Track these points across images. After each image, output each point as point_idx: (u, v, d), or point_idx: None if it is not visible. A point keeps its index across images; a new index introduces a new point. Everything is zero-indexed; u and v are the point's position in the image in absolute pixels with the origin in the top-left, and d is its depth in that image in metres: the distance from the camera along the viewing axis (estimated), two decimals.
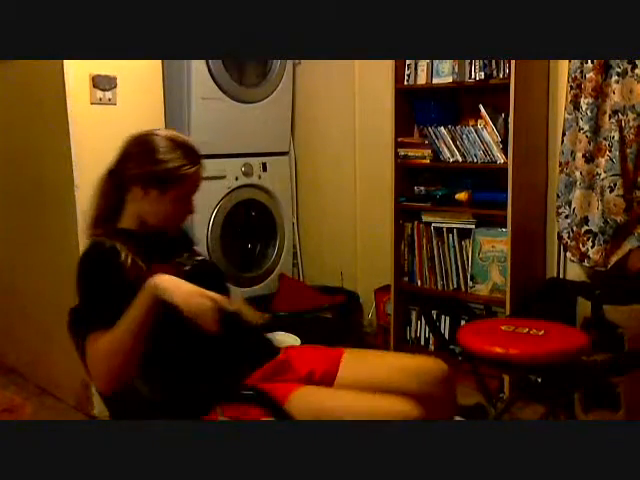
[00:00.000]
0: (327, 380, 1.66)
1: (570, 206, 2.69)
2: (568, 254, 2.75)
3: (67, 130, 2.55)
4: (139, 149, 1.61)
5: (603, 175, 2.57)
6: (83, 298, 1.52)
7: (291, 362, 1.68)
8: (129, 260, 1.51)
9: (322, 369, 1.67)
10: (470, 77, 2.85)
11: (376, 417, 1.44)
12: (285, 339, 2.25)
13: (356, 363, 1.71)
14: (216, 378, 1.57)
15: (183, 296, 1.39)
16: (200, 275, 1.57)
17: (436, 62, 2.96)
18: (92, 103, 2.60)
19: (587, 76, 2.55)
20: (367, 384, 1.62)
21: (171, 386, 1.56)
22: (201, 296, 1.40)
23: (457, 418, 1.87)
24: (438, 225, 3.09)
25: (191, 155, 1.65)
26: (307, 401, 1.51)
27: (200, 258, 1.77)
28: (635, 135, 2.52)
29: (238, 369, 1.59)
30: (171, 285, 1.41)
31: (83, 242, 2.63)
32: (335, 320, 3.27)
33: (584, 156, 2.61)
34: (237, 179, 3.37)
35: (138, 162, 1.60)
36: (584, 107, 2.57)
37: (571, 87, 2.64)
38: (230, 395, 1.53)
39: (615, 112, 2.54)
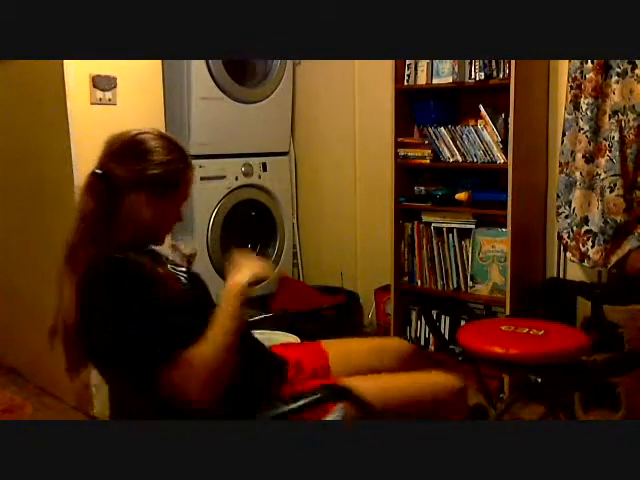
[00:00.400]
0: (326, 373, 1.68)
1: (570, 206, 2.69)
2: (568, 254, 2.75)
3: (67, 130, 2.55)
4: (132, 150, 1.45)
5: (603, 175, 2.57)
6: (139, 321, 1.32)
7: (294, 365, 1.67)
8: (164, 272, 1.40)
9: (319, 364, 1.69)
10: (470, 77, 2.85)
11: (436, 389, 1.61)
12: (285, 339, 2.25)
13: (338, 353, 1.75)
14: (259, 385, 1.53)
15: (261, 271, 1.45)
16: (194, 284, 1.50)
17: (436, 62, 2.96)
18: (92, 103, 2.60)
19: (587, 76, 2.55)
20: (355, 370, 1.66)
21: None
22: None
23: None
24: (438, 225, 3.09)
25: (186, 156, 1.50)
26: (369, 387, 1.50)
27: (182, 268, 1.55)
28: (635, 135, 2.52)
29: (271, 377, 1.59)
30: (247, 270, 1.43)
31: None
32: (335, 320, 3.26)
33: (584, 156, 2.61)
34: (237, 179, 3.37)
35: (132, 165, 1.43)
36: (584, 107, 2.57)
37: (571, 87, 2.64)
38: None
39: (615, 112, 2.53)
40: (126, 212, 1.42)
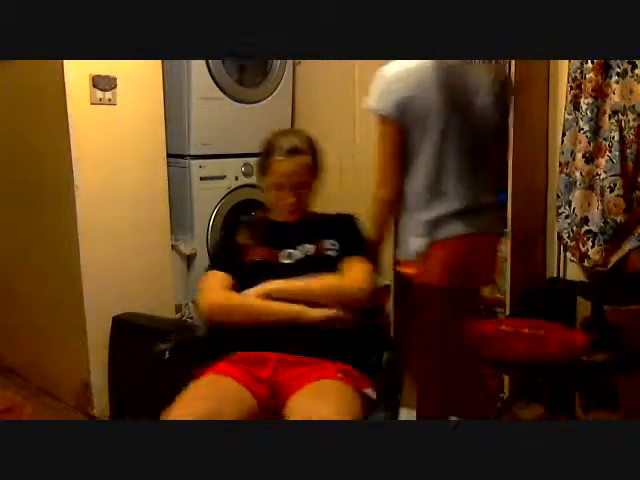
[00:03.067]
0: (280, 399, 1.62)
1: (570, 206, 2.68)
2: (568, 254, 2.75)
3: (67, 130, 2.55)
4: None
5: (603, 175, 2.57)
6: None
7: (276, 364, 1.68)
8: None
9: (286, 386, 1.64)
10: None
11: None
12: None
13: (309, 395, 1.59)
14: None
15: None
16: (301, 268, 1.79)
17: None
18: (92, 103, 2.60)
19: (587, 76, 2.55)
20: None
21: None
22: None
23: (455, 418, 1.86)
24: None
25: (279, 148, 1.82)
26: (186, 390, 1.59)
27: (310, 253, 1.85)
28: (635, 135, 2.52)
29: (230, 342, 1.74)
30: None
31: (83, 242, 2.65)
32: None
33: (584, 156, 2.61)
34: (237, 179, 3.37)
35: (259, 155, 1.89)
36: (584, 107, 2.57)
37: (571, 87, 2.64)
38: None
39: (615, 112, 2.53)
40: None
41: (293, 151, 1.82)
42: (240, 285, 1.79)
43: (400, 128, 1.83)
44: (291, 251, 1.85)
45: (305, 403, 1.54)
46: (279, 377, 1.66)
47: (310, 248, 1.85)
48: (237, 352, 1.71)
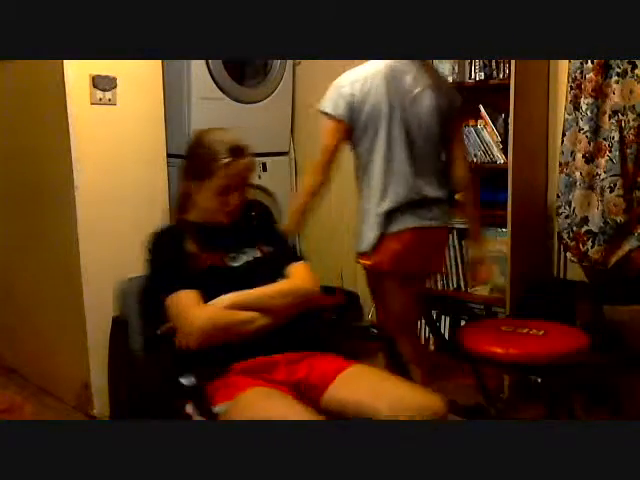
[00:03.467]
0: (314, 394, 1.63)
1: (570, 206, 2.68)
2: (568, 254, 2.75)
3: (67, 130, 2.55)
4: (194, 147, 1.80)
5: (603, 175, 2.57)
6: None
7: (286, 364, 1.67)
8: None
9: (313, 382, 1.65)
10: (470, 77, 2.85)
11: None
12: None
13: (356, 381, 1.64)
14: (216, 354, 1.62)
15: None
16: (250, 271, 1.73)
17: (436, 62, 2.96)
18: (92, 103, 2.60)
19: (587, 76, 2.55)
20: (355, 406, 1.56)
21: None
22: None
23: (456, 418, 1.86)
24: None
25: (222, 149, 1.72)
26: (245, 406, 1.50)
27: (257, 256, 1.81)
28: (635, 135, 2.52)
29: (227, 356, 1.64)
30: None
31: (83, 242, 2.65)
32: (335, 320, 3.26)
33: (584, 156, 2.61)
34: None
35: (192, 158, 1.79)
36: (584, 107, 2.57)
37: (571, 87, 2.64)
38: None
39: (615, 112, 2.53)
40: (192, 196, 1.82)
41: (239, 151, 1.74)
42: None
43: (344, 128, 2.07)
44: (235, 254, 1.78)
45: (356, 390, 1.59)
46: (296, 376, 1.65)
47: (253, 251, 1.81)
48: (240, 361, 1.64)
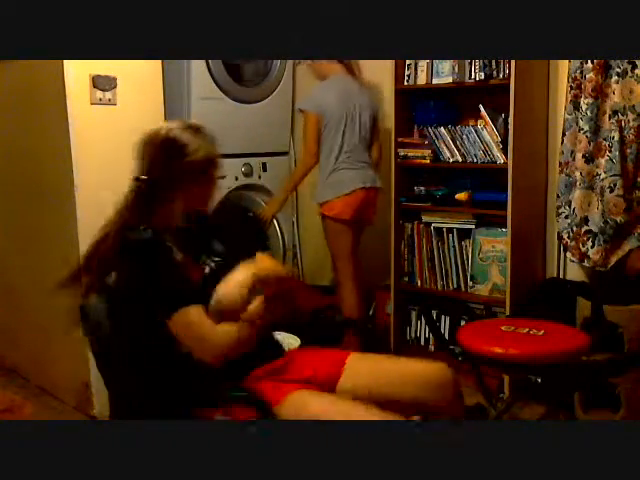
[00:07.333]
0: (328, 384, 1.64)
1: (570, 206, 2.69)
2: (568, 254, 2.75)
3: (67, 130, 2.55)
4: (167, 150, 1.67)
5: (603, 175, 2.57)
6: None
7: (293, 363, 1.67)
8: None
9: (324, 372, 1.66)
10: (470, 77, 2.85)
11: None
12: (285, 339, 2.25)
13: (359, 368, 1.69)
14: (216, 376, 1.56)
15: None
16: (218, 276, 1.58)
17: (436, 62, 2.96)
18: (92, 103, 2.60)
19: (587, 76, 2.55)
20: (367, 391, 1.60)
21: (167, 382, 1.58)
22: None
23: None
24: (438, 225, 3.09)
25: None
26: (300, 406, 1.50)
27: (216, 260, 1.70)
28: (635, 135, 2.52)
29: (241, 367, 1.59)
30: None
31: (83, 242, 2.65)
32: (335, 320, 3.26)
33: (584, 156, 2.61)
34: (237, 179, 3.37)
35: (168, 162, 1.66)
36: (584, 107, 2.57)
37: (571, 87, 2.64)
38: (223, 395, 1.54)
39: (615, 112, 2.54)
40: (162, 202, 1.66)
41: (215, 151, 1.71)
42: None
43: (319, 122, 2.94)
44: (204, 260, 1.69)
45: (365, 376, 1.66)
46: (305, 374, 1.65)
47: (220, 251, 1.75)
48: (255, 369, 1.62)
